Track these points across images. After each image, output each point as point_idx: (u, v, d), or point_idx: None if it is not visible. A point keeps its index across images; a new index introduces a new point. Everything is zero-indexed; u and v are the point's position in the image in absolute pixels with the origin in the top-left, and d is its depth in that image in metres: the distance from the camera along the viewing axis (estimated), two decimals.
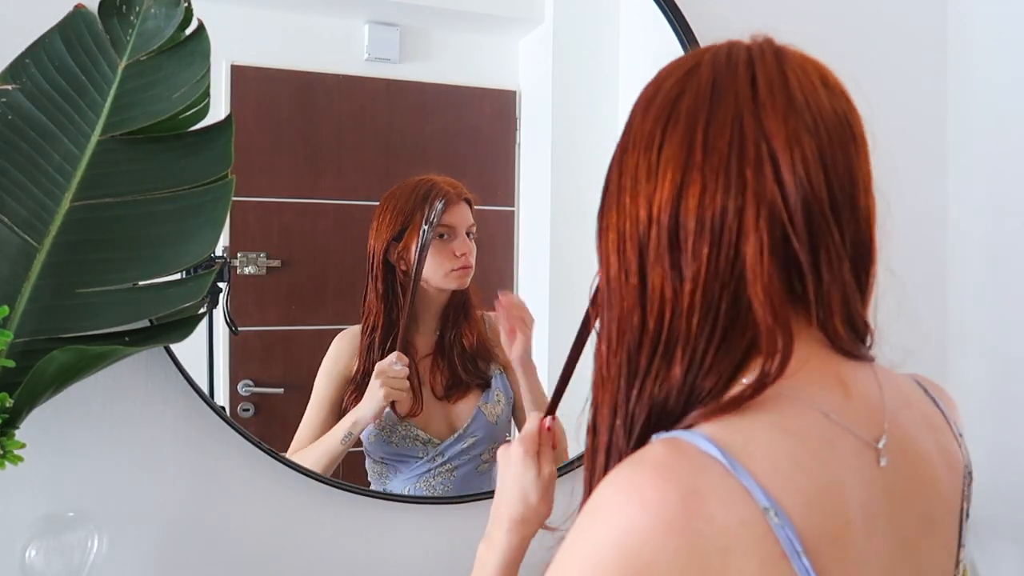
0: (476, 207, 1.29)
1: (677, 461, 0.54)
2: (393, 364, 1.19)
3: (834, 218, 0.60)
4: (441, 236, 1.24)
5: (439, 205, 1.23)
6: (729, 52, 0.64)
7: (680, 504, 0.51)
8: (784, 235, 0.58)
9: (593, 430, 0.66)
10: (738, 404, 0.57)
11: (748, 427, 0.57)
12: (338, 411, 1.21)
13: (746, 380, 0.59)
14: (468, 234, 1.26)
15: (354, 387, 1.21)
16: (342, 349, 1.22)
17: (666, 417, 0.60)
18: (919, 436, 0.66)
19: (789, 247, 0.59)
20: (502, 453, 0.83)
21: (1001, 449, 1.46)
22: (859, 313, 0.64)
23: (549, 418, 0.84)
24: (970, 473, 0.70)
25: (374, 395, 1.19)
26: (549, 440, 0.83)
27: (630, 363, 0.62)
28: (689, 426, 0.58)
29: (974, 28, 1.56)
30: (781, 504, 0.53)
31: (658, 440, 0.58)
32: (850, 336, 0.63)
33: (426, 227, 1.21)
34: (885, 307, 0.68)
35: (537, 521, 0.80)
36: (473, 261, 1.27)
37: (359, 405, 1.20)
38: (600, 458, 0.64)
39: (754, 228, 0.58)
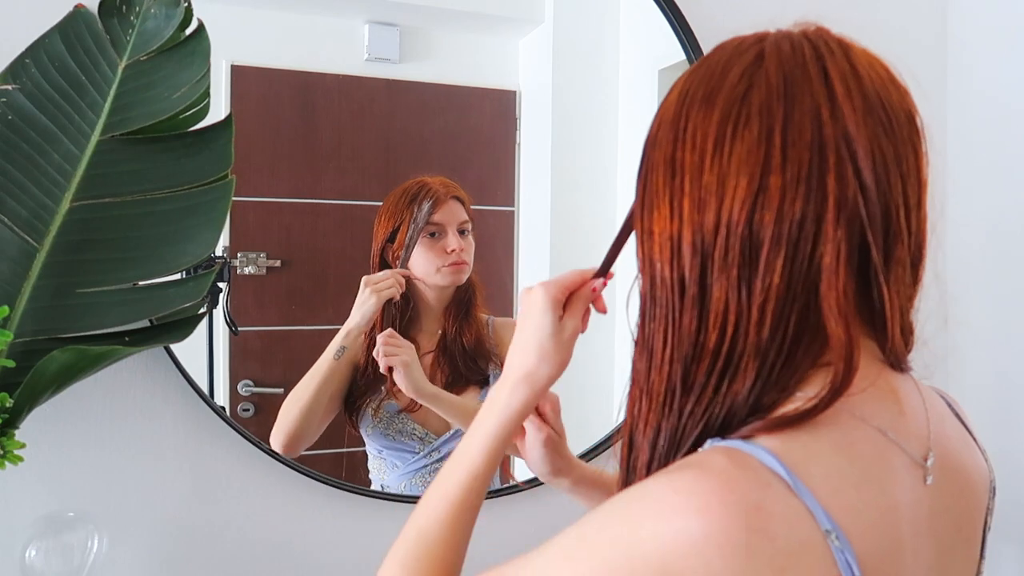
0: (476, 207, 1.29)
1: (742, 474, 0.51)
2: (381, 275, 1.21)
3: (906, 224, 0.57)
4: (432, 235, 1.24)
5: (426, 206, 1.24)
6: (791, 43, 0.60)
7: (743, 519, 0.49)
8: (862, 243, 0.55)
9: (629, 446, 0.61)
10: (806, 419, 0.54)
11: (809, 443, 0.54)
12: (337, 391, 1.22)
13: (802, 393, 0.56)
14: (462, 232, 1.26)
15: (362, 383, 1.23)
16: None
17: (719, 432, 0.57)
18: (956, 451, 0.65)
19: (864, 256, 0.56)
20: (524, 295, 0.74)
21: (1001, 450, 1.46)
22: (910, 321, 0.62)
23: (600, 281, 0.75)
24: (994, 488, 0.69)
25: (365, 302, 1.20)
26: (588, 300, 0.74)
27: (685, 378, 0.58)
28: (747, 437, 0.55)
29: (974, 28, 1.56)
30: (842, 527, 0.51)
31: (716, 447, 0.54)
32: (902, 347, 0.61)
33: (412, 227, 1.22)
34: None
35: (545, 381, 0.72)
36: (468, 257, 1.27)
37: (350, 316, 1.20)
38: (637, 480, 0.58)
39: (833, 238, 0.54)
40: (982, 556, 0.67)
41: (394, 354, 1.19)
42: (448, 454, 1.25)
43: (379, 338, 1.20)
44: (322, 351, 1.22)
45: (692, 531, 0.48)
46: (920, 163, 0.59)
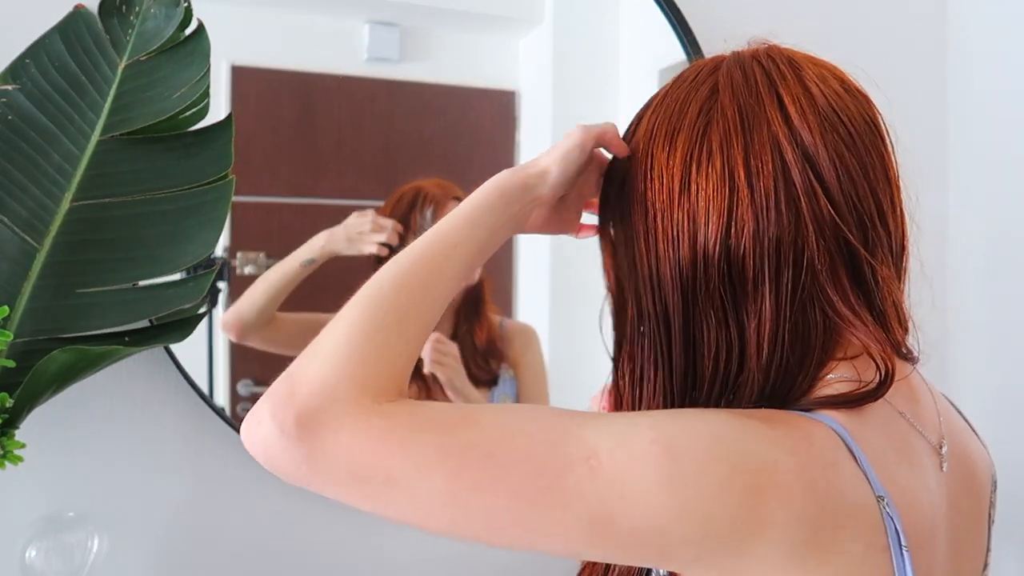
0: None
1: (820, 431, 0.54)
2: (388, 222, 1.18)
3: (882, 224, 0.59)
4: None
5: (428, 213, 1.24)
6: (743, 71, 0.61)
7: (822, 471, 0.51)
8: (848, 250, 0.57)
9: None
10: (864, 402, 0.56)
11: (861, 421, 0.56)
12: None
13: (835, 376, 0.58)
14: None
15: None
16: None
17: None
18: (964, 442, 0.67)
19: (854, 259, 0.58)
20: (566, 135, 0.73)
21: (1001, 449, 1.46)
22: (903, 309, 0.63)
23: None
24: (995, 481, 0.70)
25: (360, 236, 1.17)
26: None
27: (682, 401, 0.60)
28: (808, 409, 0.57)
29: (974, 30, 1.56)
30: (892, 497, 0.53)
31: (788, 412, 0.56)
32: (903, 334, 0.63)
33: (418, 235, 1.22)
34: None
35: (548, 190, 0.68)
36: None
37: (335, 232, 1.16)
38: None
39: (818, 252, 0.56)
40: (988, 549, 0.68)
41: (440, 363, 1.19)
42: None
43: (429, 342, 1.19)
44: None
45: (784, 460, 0.50)
46: (887, 166, 0.61)
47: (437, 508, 0.51)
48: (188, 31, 1.08)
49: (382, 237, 1.18)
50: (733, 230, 0.57)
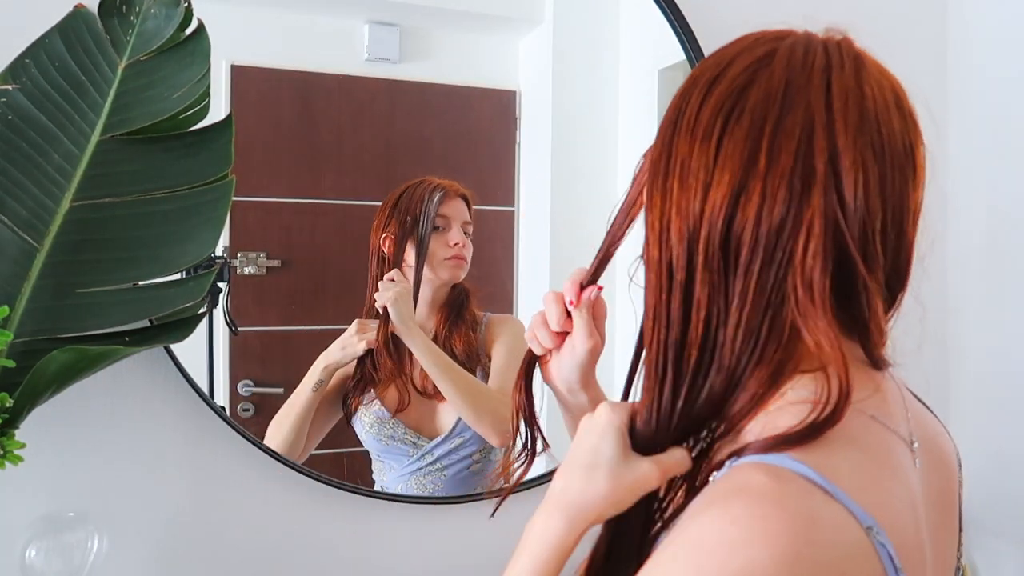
0: (476, 207, 1.29)
1: (786, 487, 0.51)
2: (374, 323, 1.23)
3: (882, 243, 0.57)
4: (437, 228, 1.25)
5: (437, 195, 1.25)
6: (806, 50, 0.60)
7: (804, 533, 0.49)
8: (838, 256, 0.56)
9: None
10: (819, 433, 0.54)
11: (825, 445, 0.54)
12: (334, 398, 1.24)
13: (794, 393, 0.57)
14: (465, 232, 1.28)
15: (358, 376, 1.25)
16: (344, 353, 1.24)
17: (696, 422, 0.59)
18: (931, 426, 0.67)
19: (841, 268, 0.56)
20: (586, 418, 0.65)
21: (1001, 449, 1.46)
22: (885, 333, 0.62)
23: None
24: (960, 460, 0.70)
25: (351, 345, 1.22)
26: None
27: (676, 362, 0.58)
28: (765, 451, 0.54)
29: (974, 28, 1.56)
30: (879, 521, 0.51)
31: (745, 465, 0.54)
32: (882, 352, 0.62)
33: (423, 217, 1.24)
34: None
35: (591, 513, 0.61)
36: (467, 255, 1.28)
37: (331, 350, 1.22)
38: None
39: (814, 247, 0.54)
40: (961, 529, 0.68)
41: (386, 290, 1.22)
42: (440, 457, 1.26)
43: (386, 278, 1.23)
44: (322, 351, 1.22)
45: (761, 560, 0.48)
46: (908, 193, 0.59)
47: None
48: (188, 31, 1.08)
49: (370, 336, 1.23)
50: (740, 198, 0.56)
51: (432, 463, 1.25)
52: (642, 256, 0.62)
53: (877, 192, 0.57)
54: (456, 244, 1.26)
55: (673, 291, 0.58)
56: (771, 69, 0.58)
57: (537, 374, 0.77)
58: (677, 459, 0.60)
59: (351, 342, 1.22)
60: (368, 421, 1.24)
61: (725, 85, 0.58)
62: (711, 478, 0.57)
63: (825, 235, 0.55)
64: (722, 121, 0.57)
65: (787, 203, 0.55)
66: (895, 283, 0.61)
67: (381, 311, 1.22)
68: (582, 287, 0.73)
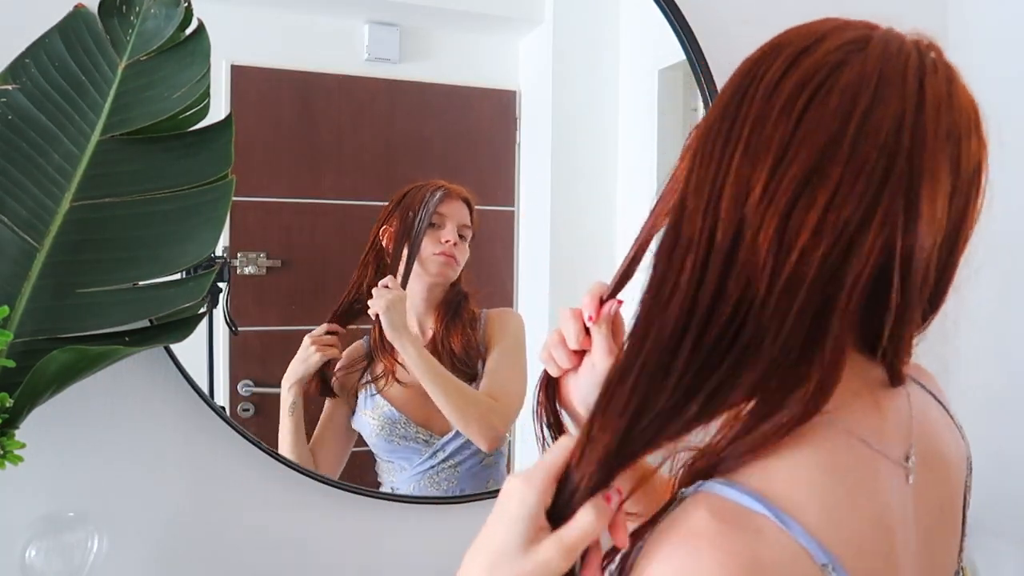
0: (476, 207, 1.29)
1: (732, 529, 0.49)
2: (321, 331, 1.22)
3: (937, 259, 0.56)
4: (432, 224, 1.25)
5: (438, 195, 1.25)
6: (900, 46, 0.57)
7: None
8: (884, 268, 0.53)
9: (609, 395, 0.54)
10: (779, 436, 0.52)
11: (792, 469, 0.52)
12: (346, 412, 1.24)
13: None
14: (461, 235, 1.27)
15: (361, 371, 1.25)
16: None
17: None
18: (938, 436, 0.65)
19: (879, 283, 0.53)
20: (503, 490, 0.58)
21: (1002, 449, 1.46)
22: (912, 349, 0.60)
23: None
24: (971, 464, 0.69)
25: (308, 358, 1.21)
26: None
27: (696, 341, 0.52)
28: (730, 471, 0.52)
29: (974, 28, 1.56)
30: (837, 555, 0.50)
31: (698, 499, 0.52)
32: (903, 368, 0.60)
33: (422, 213, 1.24)
34: None
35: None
36: (459, 256, 1.27)
37: (290, 369, 1.21)
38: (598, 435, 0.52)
39: (867, 253, 0.51)
40: (964, 533, 0.67)
41: (379, 298, 1.21)
42: (453, 453, 1.26)
43: (379, 286, 1.22)
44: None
45: None
46: (967, 214, 0.58)
47: None
48: (188, 31, 1.08)
49: (329, 343, 1.22)
50: (814, 180, 0.51)
51: (445, 459, 1.25)
52: (670, 222, 0.55)
53: (944, 206, 0.54)
54: (447, 242, 1.26)
55: (711, 264, 0.52)
56: (865, 54, 0.55)
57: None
58: (581, 528, 0.52)
59: (308, 353, 1.21)
60: (377, 424, 1.24)
61: (817, 58, 0.54)
62: (680, 493, 0.55)
63: (883, 244, 0.52)
64: (808, 94, 0.53)
65: (861, 197, 0.51)
66: (934, 301, 0.60)
67: (374, 318, 1.22)
68: (602, 301, 0.67)
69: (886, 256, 0.52)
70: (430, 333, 1.28)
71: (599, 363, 0.66)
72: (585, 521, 0.52)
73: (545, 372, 0.71)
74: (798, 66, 0.54)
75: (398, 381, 1.24)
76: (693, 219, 0.53)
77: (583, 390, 0.69)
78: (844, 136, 0.52)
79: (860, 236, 0.51)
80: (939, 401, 0.70)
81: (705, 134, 0.56)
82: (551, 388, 0.71)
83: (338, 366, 1.24)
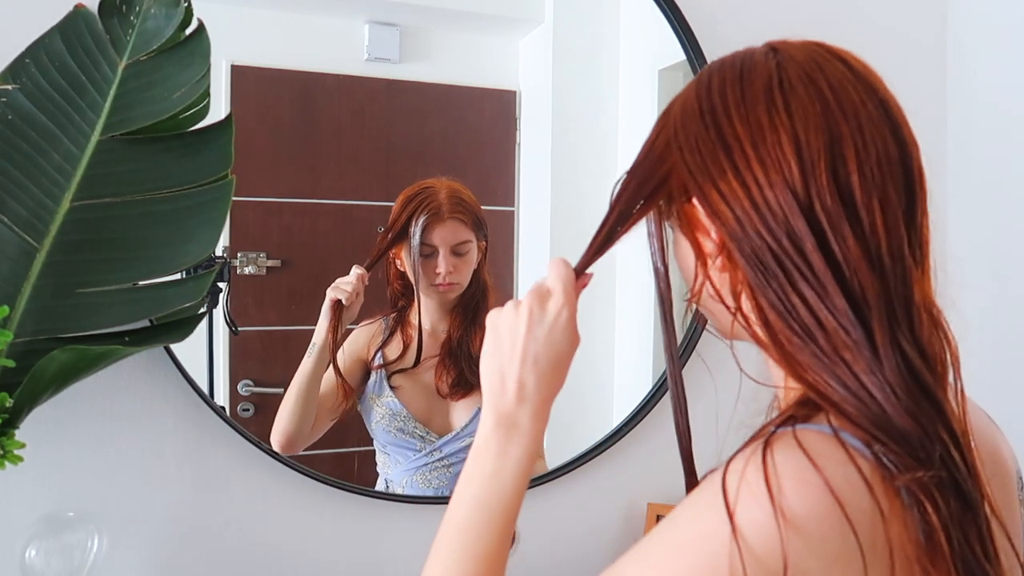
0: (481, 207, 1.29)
1: (828, 449, 0.52)
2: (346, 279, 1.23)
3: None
4: (425, 255, 1.24)
5: (422, 220, 1.23)
6: (771, 48, 0.62)
7: (836, 495, 0.50)
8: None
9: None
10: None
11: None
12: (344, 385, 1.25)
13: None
14: (456, 253, 1.25)
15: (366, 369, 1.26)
16: (359, 335, 1.25)
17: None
18: (992, 438, 0.67)
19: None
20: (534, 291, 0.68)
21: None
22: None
23: (585, 277, 0.70)
24: (1021, 477, 0.69)
25: (325, 305, 1.21)
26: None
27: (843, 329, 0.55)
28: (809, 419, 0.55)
29: (974, 29, 1.56)
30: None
31: (786, 431, 0.54)
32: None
33: (412, 245, 1.23)
34: None
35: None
36: (460, 277, 1.26)
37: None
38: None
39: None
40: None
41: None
42: (448, 455, 1.26)
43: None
44: None
45: (794, 509, 0.50)
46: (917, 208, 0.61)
47: None
48: (188, 31, 1.08)
49: (352, 279, 1.22)
50: (837, 148, 0.54)
51: (439, 459, 1.26)
52: (738, 257, 0.57)
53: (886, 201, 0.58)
54: (439, 273, 1.24)
55: (814, 264, 0.54)
56: (788, 54, 0.59)
57: None
58: (559, 272, 0.65)
59: (338, 285, 1.21)
60: (380, 412, 1.25)
61: (760, 70, 0.58)
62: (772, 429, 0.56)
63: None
64: (779, 93, 0.56)
65: (876, 142, 0.56)
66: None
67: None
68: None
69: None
70: (443, 336, 1.28)
71: None
72: (557, 267, 0.66)
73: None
74: (751, 82, 0.58)
75: (407, 373, 1.24)
76: (757, 245, 0.55)
77: None
78: (828, 103, 0.56)
79: (908, 163, 0.58)
80: (986, 416, 0.70)
81: (696, 173, 0.58)
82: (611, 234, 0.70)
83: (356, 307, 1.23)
